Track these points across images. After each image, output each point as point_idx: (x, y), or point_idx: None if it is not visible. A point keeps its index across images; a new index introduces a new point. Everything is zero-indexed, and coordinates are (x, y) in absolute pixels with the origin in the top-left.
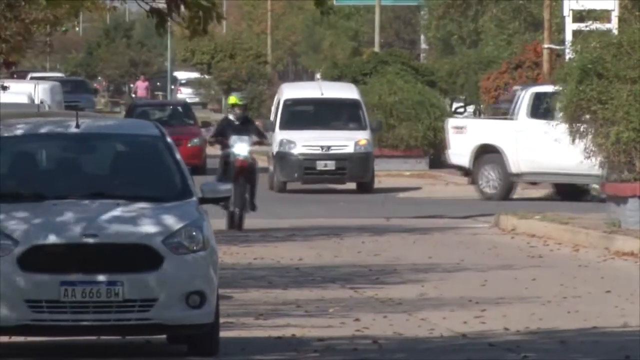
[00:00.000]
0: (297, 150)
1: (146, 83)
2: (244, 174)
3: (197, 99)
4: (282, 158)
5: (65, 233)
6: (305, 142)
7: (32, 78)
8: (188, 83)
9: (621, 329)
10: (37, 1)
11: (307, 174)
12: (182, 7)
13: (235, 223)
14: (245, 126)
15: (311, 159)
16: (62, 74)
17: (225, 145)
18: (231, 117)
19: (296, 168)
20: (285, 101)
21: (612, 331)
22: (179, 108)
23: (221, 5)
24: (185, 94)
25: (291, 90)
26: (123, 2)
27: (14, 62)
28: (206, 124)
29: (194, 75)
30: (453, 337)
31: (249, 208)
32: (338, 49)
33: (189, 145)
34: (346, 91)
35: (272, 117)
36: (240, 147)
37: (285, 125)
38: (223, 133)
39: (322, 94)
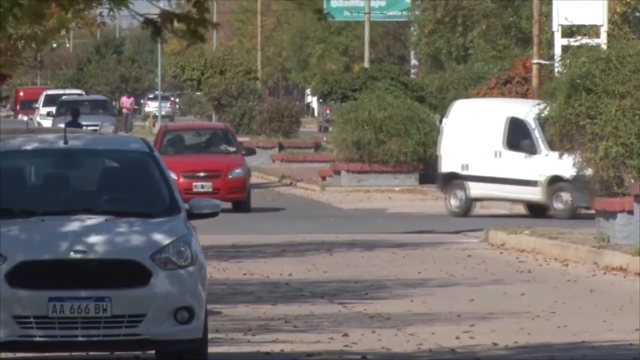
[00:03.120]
0: None
1: (131, 99)
2: None
3: (163, 112)
4: None
5: (54, 249)
6: None
7: (47, 96)
8: (155, 97)
9: (609, 344)
10: (23, 18)
11: None
12: (175, 21)
13: None
14: None
15: None
16: (80, 91)
17: None
18: None
19: None
20: None
21: (601, 345)
22: (218, 133)
23: (211, 19)
24: (152, 107)
25: None
26: (112, 17)
27: (8, 75)
28: (250, 151)
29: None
30: (442, 352)
31: None
32: (329, 64)
33: (230, 176)
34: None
35: None
36: None
37: None
38: None
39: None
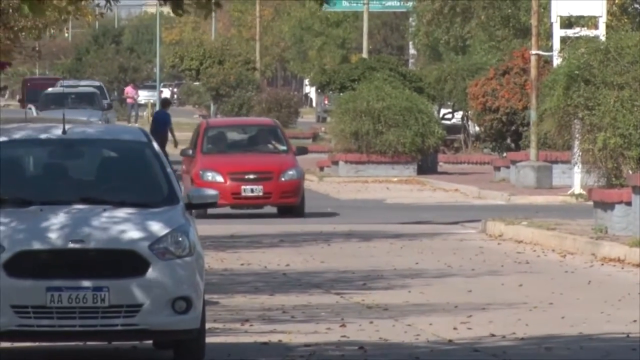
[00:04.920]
0: None
1: (136, 89)
2: None
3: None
4: None
5: (52, 239)
6: None
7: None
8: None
9: (607, 335)
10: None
11: None
12: None
13: None
14: None
15: None
16: (98, 82)
17: None
18: None
19: None
20: None
21: (598, 337)
22: (266, 129)
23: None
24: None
25: None
26: (109, 9)
27: (7, 62)
28: (302, 150)
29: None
30: (439, 342)
31: None
32: (326, 56)
33: (283, 179)
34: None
35: None
36: None
37: None
38: None
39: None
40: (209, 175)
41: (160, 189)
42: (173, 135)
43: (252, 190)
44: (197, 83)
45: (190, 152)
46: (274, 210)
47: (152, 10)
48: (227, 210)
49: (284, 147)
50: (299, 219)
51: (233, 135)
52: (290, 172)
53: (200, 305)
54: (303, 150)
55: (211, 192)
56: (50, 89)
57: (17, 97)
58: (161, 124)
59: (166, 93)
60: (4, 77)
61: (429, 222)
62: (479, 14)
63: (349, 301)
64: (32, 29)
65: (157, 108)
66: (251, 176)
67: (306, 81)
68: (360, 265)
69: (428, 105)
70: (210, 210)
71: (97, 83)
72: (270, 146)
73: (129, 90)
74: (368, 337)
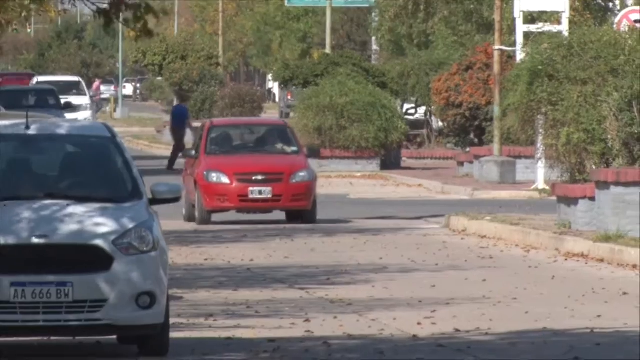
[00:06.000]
0: None
1: (98, 83)
2: None
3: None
4: None
5: (15, 234)
6: None
7: (39, 84)
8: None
9: (571, 330)
10: None
11: None
12: (124, 8)
13: None
14: None
15: None
16: (77, 78)
17: None
18: None
19: None
20: None
21: (563, 332)
22: (275, 129)
23: (172, 5)
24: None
25: None
26: (74, 4)
27: None
28: (314, 152)
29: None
30: (403, 337)
31: None
32: (287, 51)
33: (293, 181)
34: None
35: None
36: None
37: None
38: None
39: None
40: (214, 176)
41: (125, 184)
42: (191, 129)
43: (260, 192)
44: (159, 78)
45: (193, 153)
46: (282, 216)
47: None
48: (233, 215)
49: (295, 148)
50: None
51: (239, 136)
52: (302, 174)
53: (164, 301)
54: (315, 152)
55: (174, 186)
56: (2, 87)
57: None
58: (179, 118)
59: (129, 88)
60: None
61: (392, 217)
62: (442, 9)
63: (313, 296)
64: None
65: (120, 105)
66: (259, 177)
67: (269, 76)
68: (324, 261)
69: (391, 100)
70: (215, 217)
71: (75, 78)
72: (280, 147)
73: (97, 85)
74: (332, 332)
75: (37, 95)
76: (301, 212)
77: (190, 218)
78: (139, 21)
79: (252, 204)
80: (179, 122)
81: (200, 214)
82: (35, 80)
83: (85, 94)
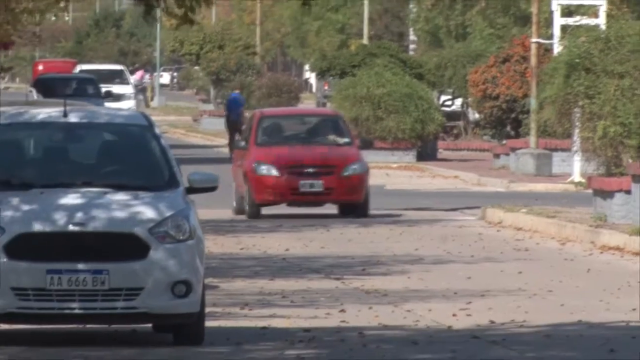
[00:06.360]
0: None
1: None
2: None
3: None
4: None
5: (52, 221)
6: None
7: (82, 72)
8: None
9: (607, 323)
10: None
11: None
12: None
13: None
14: None
15: None
16: (121, 67)
17: None
18: None
19: None
20: None
21: (598, 325)
22: (327, 120)
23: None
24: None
25: None
26: None
27: (11, 42)
28: (367, 143)
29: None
30: (438, 329)
31: None
32: (325, 41)
33: (345, 173)
34: None
35: None
36: None
37: None
38: None
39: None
40: (264, 169)
41: (161, 172)
42: (236, 120)
43: (311, 186)
44: (196, 68)
45: (243, 144)
46: (334, 209)
47: None
48: (283, 208)
49: (347, 139)
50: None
51: (290, 126)
52: (354, 166)
53: (200, 289)
54: (368, 144)
55: (212, 175)
56: (41, 75)
57: (6, 77)
58: (234, 107)
59: (166, 77)
60: (4, 60)
61: (428, 209)
62: (480, 1)
63: (348, 286)
64: (33, 12)
65: (157, 93)
66: (310, 170)
67: (306, 67)
68: (359, 251)
69: (428, 91)
70: (265, 210)
71: (119, 67)
72: (332, 138)
73: (140, 74)
74: (367, 323)
75: (77, 84)
76: (354, 205)
77: (240, 211)
78: (181, 7)
79: (303, 198)
80: (233, 111)
81: (250, 208)
82: (77, 68)
83: (128, 83)
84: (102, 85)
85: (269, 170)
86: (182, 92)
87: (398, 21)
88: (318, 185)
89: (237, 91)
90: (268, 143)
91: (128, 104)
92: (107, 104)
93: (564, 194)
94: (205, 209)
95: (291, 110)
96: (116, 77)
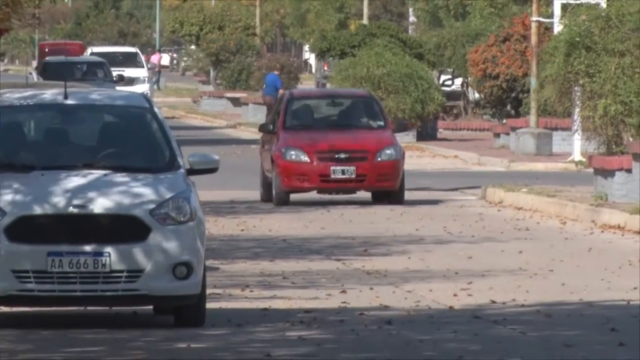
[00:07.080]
0: None
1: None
2: None
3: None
4: None
5: (53, 204)
6: None
7: (94, 54)
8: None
9: (607, 302)
10: None
11: None
12: None
13: None
14: None
15: None
16: (134, 49)
17: None
18: None
19: None
20: None
21: (599, 304)
22: (360, 102)
23: None
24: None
25: None
26: None
27: (6, 29)
28: (402, 126)
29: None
30: (439, 309)
31: None
32: (324, 21)
33: (379, 159)
34: None
35: None
36: None
37: None
38: None
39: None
40: (293, 154)
41: (162, 154)
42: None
43: (343, 172)
44: (193, 47)
45: (271, 127)
46: (367, 195)
47: None
48: (313, 195)
49: (381, 123)
50: None
51: (321, 109)
52: (388, 151)
53: (201, 271)
54: (403, 126)
55: (212, 157)
56: (48, 58)
57: (34, 63)
58: (272, 87)
59: (165, 59)
60: (3, 42)
61: (428, 189)
62: None
63: (349, 267)
64: None
65: (160, 77)
66: (342, 155)
67: (306, 47)
68: (360, 232)
69: (428, 71)
70: (294, 196)
71: (133, 49)
72: (365, 121)
73: (157, 57)
74: (368, 303)
75: (86, 68)
76: (388, 192)
77: (267, 197)
78: None
79: (334, 185)
80: (271, 91)
81: (278, 194)
82: (89, 50)
83: (142, 66)
84: (114, 68)
85: (298, 156)
86: (182, 75)
87: (397, 1)
88: (350, 171)
89: (276, 72)
90: (297, 127)
91: (142, 88)
92: (120, 88)
93: (565, 173)
94: (204, 190)
95: (322, 91)
96: (130, 59)
